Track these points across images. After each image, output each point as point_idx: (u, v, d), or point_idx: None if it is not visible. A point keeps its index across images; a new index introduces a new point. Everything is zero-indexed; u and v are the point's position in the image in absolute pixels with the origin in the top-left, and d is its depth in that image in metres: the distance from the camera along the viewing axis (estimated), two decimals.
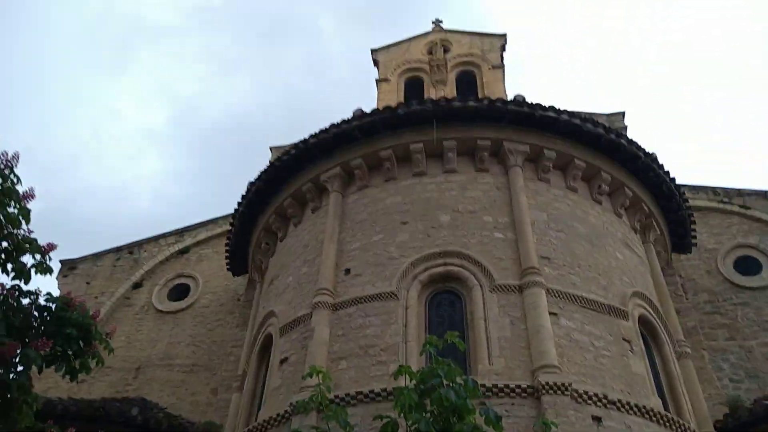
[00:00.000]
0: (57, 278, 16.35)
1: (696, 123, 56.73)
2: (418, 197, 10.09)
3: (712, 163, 51.91)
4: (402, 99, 18.70)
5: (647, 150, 11.11)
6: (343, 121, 10.79)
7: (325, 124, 10.96)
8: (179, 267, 16.44)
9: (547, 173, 10.47)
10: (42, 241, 4.97)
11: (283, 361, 9.25)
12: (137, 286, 16.10)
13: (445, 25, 21.92)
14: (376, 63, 20.93)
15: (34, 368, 4.67)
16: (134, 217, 51.45)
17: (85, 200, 53.18)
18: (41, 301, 5.00)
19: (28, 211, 4.94)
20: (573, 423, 7.09)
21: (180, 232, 17.07)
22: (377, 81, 20.23)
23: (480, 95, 18.04)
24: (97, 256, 16.80)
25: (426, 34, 21.52)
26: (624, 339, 8.69)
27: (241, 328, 12.95)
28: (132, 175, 57.93)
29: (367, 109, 11.06)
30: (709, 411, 9.29)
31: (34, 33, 54.85)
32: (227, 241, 13.32)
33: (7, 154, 4.85)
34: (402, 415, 4.18)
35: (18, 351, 4.58)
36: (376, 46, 21.27)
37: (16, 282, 4.97)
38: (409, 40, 21.31)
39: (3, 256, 4.93)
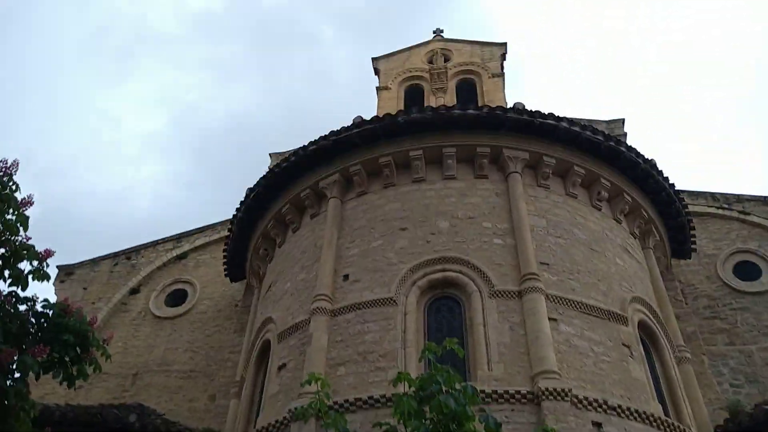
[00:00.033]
0: (54, 284, 16.30)
1: (695, 123, 56.91)
2: (417, 204, 10.09)
3: (711, 163, 52.06)
4: (402, 107, 18.73)
5: (646, 156, 11.14)
6: (343, 129, 10.81)
7: (325, 131, 10.98)
8: (177, 273, 16.39)
9: (546, 180, 10.48)
10: (39, 246, 4.96)
11: (281, 368, 9.21)
12: (134, 291, 16.04)
13: (445, 34, 22.05)
14: (376, 71, 20.99)
15: (32, 375, 4.65)
16: (133, 221, 51.38)
17: (84, 204, 53.16)
18: (38, 307, 4.99)
19: (27, 218, 4.94)
20: (573, 429, 7.06)
21: (178, 238, 17.03)
22: (378, 89, 20.29)
23: (480, 103, 18.09)
24: (94, 262, 16.76)
25: (427, 42, 21.63)
26: (624, 344, 8.66)
27: (239, 334, 12.90)
28: (131, 180, 57.86)
29: (368, 117, 11.10)
30: (709, 416, 9.26)
31: (37, 39, 55.04)
32: (225, 247, 13.30)
33: (6, 162, 4.86)
34: (401, 422, 4.15)
35: (15, 357, 4.56)
36: (376, 54, 21.37)
37: (13, 288, 4.97)
38: (410, 48, 21.42)
39: (0, 262, 4.92)
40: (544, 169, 10.46)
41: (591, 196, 10.80)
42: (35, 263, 5.00)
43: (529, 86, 55.83)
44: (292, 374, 8.84)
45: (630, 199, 11.12)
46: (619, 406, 7.65)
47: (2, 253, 4.92)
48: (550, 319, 8.21)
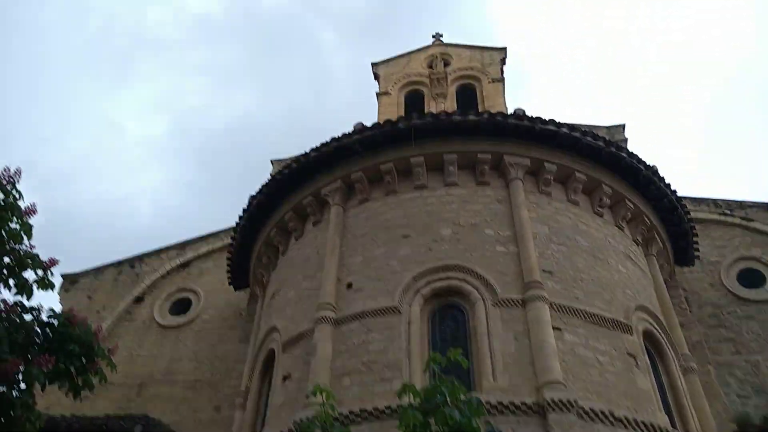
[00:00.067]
0: (59, 293, 16.30)
1: (696, 127, 56.94)
2: (419, 211, 10.08)
3: (711, 165, 52.05)
4: (402, 112, 18.77)
5: (648, 162, 11.12)
6: (344, 135, 10.81)
7: (326, 138, 11.00)
8: (180, 281, 16.38)
9: (548, 186, 10.47)
10: (43, 255, 4.98)
11: (285, 378, 9.19)
12: (139, 300, 16.03)
13: (446, 37, 22.10)
14: (376, 76, 21.04)
15: (37, 385, 4.65)
16: (135, 228, 51.48)
17: (87, 211, 53.23)
18: (44, 317, 5.00)
19: (30, 226, 4.96)
20: None
21: (181, 246, 17.04)
22: (378, 94, 20.34)
23: (480, 108, 18.12)
24: (98, 270, 16.76)
25: (426, 47, 21.67)
26: (629, 354, 8.62)
27: (244, 343, 12.88)
28: (133, 187, 58.05)
29: (368, 123, 11.12)
30: (716, 427, 9.19)
31: (35, 45, 55.22)
32: (229, 255, 13.30)
33: (9, 170, 4.88)
34: None
35: (21, 368, 4.57)
36: (376, 59, 21.41)
37: (18, 298, 4.98)
38: (410, 53, 21.46)
39: (5, 271, 4.94)
40: (545, 176, 10.45)
41: (593, 203, 10.79)
42: (40, 272, 5.02)
43: (529, 87, 56.03)
44: (297, 384, 8.82)
45: (632, 206, 11.11)
46: (626, 418, 7.59)
47: (7, 263, 4.94)
48: (554, 328, 8.18)
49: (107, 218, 53.39)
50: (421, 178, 10.42)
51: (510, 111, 11.78)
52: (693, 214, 12.86)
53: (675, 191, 11.55)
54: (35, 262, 4.95)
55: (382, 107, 19.63)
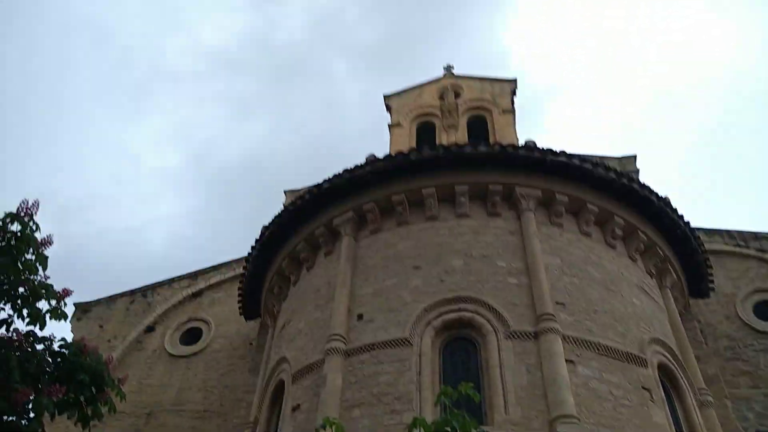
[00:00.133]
0: (71, 322, 16.38)
1: (707, 154, 56.71)
2: (431, 242, 10.09)
3: (725, 198, 51.62)
4: (414, 143, 18.94)
5: (660, 194, 11.09)
6: (357, 166, 10.91)
7: (339, 169, 11.10)
8: (192, 310, 16.42)
9: (559, 218, 10.45)
10: (56, 282, 5.05)
11: (295, 409, 9.11)
12: (150, 329, 16.07)
13: (456, 70, 22.36)
14: (388, 108, 21.30)
15: (46, 415, 4.66)
16: (149, 258, 51.78)
17: (101, 241, 53.69)
18: (55, 346, 5.03)
19: (46, 257, 5.04)
20: None
21: (193, 275, 17.12)
22: (390, 126, 20.55)
23: (491, 140, 18.24)
24: (110, 299, 16.86)
25: (437, 79, 21.94)
26: (643, 387, 8.46)
27: (253, 373, 12.81)
28: (147, 217, 58.65)
29: (380, 154, 11.24)
30: None
31: (54, 77, 56.65)
32: (240, 285, 13.33)
33: (27, 202, 4.98)
34: None
35: (31, 397, 4.59)
36: (388, 91, 21.74)
37: (31, 327, 5.03)
38: (421, 85, 21.74)
39: (19, 301, 5.00)
40: (557, 207, 10.44)
41: (605, 234, 10.73)
42: (53, 302, 5.08)
43: (541, 116, 56.33)
44: (306, 416, 8.74)
45: (645, 237, 11.03)
46: None
47: (21, 292, 5.00)
48: (567, 361, 8.07)
49: (121, 247, 53.84)
50: (433, 209, 10.45)
51: (521, 142, 11.83)
52: (707, 246, 12.74)
53: (688, 222, 11.47)
54: (49, 292, 5.01)
55: (394, 138, 19.82)
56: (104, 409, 5.06)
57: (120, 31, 59.28)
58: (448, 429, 4.13)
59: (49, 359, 4.99)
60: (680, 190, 48.98)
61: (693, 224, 11.69)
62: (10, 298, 4.93)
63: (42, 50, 54.02)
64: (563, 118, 61.02)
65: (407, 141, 19.24)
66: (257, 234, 12.15)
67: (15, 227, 4.87)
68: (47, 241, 5.06)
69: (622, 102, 58.26)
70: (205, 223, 57.85)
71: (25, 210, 4.92)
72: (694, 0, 57.42)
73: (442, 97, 20.96)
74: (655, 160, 50.62)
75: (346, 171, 10.97)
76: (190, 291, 16.71)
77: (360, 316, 9.46)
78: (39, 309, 5.01)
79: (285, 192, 16.66)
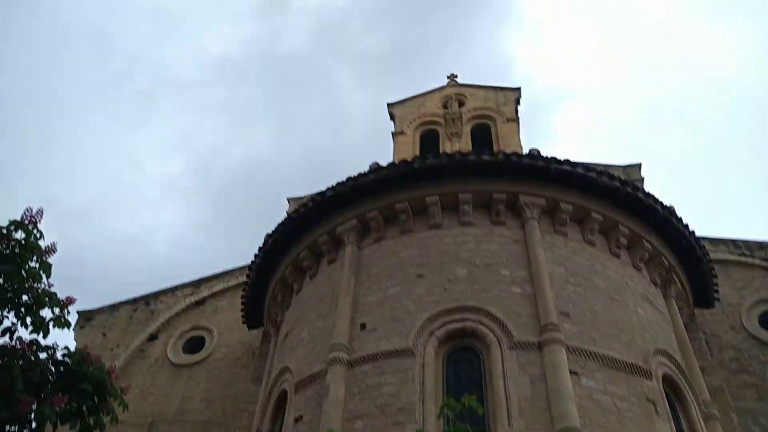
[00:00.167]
0: (73, 330, 16.37)
1: (712, 163, 56.60)
2: (435, 250, 10.06)
3: (729, 207, 51.44)
4: (418, 152, 18.96)
5: (665, 202, 11.05)
6: (360, 175, 10.91)
7: (342, 177, 11.10)
8: (195, 319, 16.40)
9: (564, 226, 10.41)
10: (59, 289, 5.03)
11: (297, 420, 9.06)
12: (153, 338, 16.05)
13: (460, 78, 22.40)
14: (392, 116, 21.32)
15: (48, 424, 4.63)
16: (151, 266, 51.84)
17: (104, 248, 53.81)
18: (58, 355, 5.01)
19: (50, 265, 5.02)
20: None
21: (197, 283, 17.12)
22: (393, 134, 20.57)
23: (495, 148, 18.25)
24: (113, 307, 16.85)
25: (441, 88, 21.97)
26: (648, 399, 8.38)
27: (256, 383, 12.75)
28: (150, 224, 58.74)
29: (384, 162, 11.24)
30: None
31: (58, 84, 56.97)
32: (243, 293, 13.31)
33: (31, 210, 4.98)
34: None
35: (33, 407, 4.57)
36: (392, 99, 21.76)
37: (35, 336, 5.01)
38: (425, 94, 21.76)
39: (23, 310, 4.98)
40: (561, 216, 10.40)
41: (609, 243, 10.69)
42: (57, 310, 5.06)
43: (545, 124, 56.33)
44: (309, 427, 8.69)
45: (649, 246, 10.98)
46: None
47: (25, 300, 4.99)
48: (571, 372, 8.00)
49: (124, 254, 53.97)
50: (436, 218, 10.43)
51: (525, 150, 11.84)
52: (712, 255, 12.67)
53: (693, 231, 11.42)
54: (53, 300, 5.00)
55: (398, 146, 19.84)
56: (107, 419, 5.03)
57: (125, 39, 59.81)
58: None
59: (52, 368, 4.96)
60: (685, 198, 48.84)
61: (698, 233, 11.64)
62: (14, 306, 4.92)
63: (46, 58, 54.44)
64: (567, 125, 61.09)
65: (411, 149, 19.25)
66: (260, 242, 12.17)
67: (19, 235, 4.86)
68: (51, 249, 5.04)
69: (627, 109, 58.46)
70: (208, 231, 57.97)
71: (29, 217, 4.91)
72: (699, 8, 57.61)
73: (445, 106, 20.99)
74: (659, 168, 50.63)
75: (349, 179, 10.97)
76: (193, 299, 16.69)
77: (363, 326, 9.42)
78: (42, 317, 4.99)
79: (288, 200, 16.68)
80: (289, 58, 63.90)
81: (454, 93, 21.39)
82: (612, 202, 10.77)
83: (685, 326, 11.31)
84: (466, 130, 20.06)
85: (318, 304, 10.63)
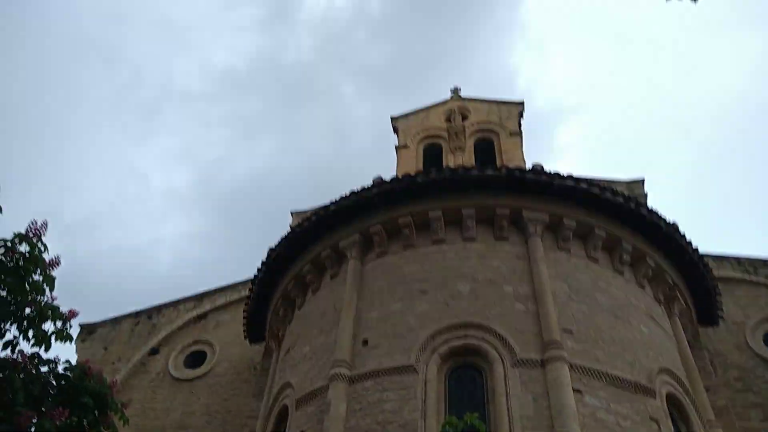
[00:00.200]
0: (75, 343, 16.32)
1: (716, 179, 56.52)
2: (438, 265, 10.03)
3: (733, 225, 51.29)
4: (421, 165, 18.97)
5: (669, 219, 11.00)
6: (364, 189, 10.91)
7: (346, 191, 11.10)
8: (197, 333, 16.32)
9: (567, 242, 10.37)
10: (62, 302, 5.03)
11: None
12: (154, 352, 15.99)
13: (463, 92, 22.47)
14: (395, 130, 21.37)
15: None
16: (154, 279, 51.82)
17: (107, 260, 53.80)
18: (59, 369, 5.00)
19: (53, 278, 5.04)
20: None
21: (199, 297, 17.06)
22: (397, 147, 20.60)
23: (498, 162, 18.24)
24: (115, 321, 16.81)
25: (444, 102, 22.02)
26: (652, 418, 8.31)
27: (257, 398, 12.67)
28: (153, 237, 58.79)
29: (387, 175, 11.22)
30: None
31: (64, 96, 57.38)
32: (245, 308, 13.26)
33: (36, 223, 5.00)
34: None
35: (34, 420, 4.55)
36: (395, 113, 21.81)
37: (36, 349, 5.01)
38: (428, 108, 21.82)
39: (25, 323, 4.98)
40: (564, 231, 10.36)
41: (613, 260, 10.64)
42: (59, 324, 5.06)
43: (549, 137, 56.41)
44: None
45: (653, 264, 10.93)
46: None
47: (28, 313, 4.99)
48: (574, 390, 7.95)
49: (127, 267, 53.95)
50: (440, 233, 10.40)
51: (528, 165, 11.84)
52: (715, 272, 12.60)
53: (697, 248, 11.36)
54: (55, 313, 5.00)
55: (401, 160, 19.86)
56: None
57: (129, 51, 60.18)
58: None
59: (53, 382, 4.96)
60: (689, 214, 48.73)
61: (702, 250, 11.59)
62: (17, 318, 4.92)
63: (51, 70, 54.88)
64: (570, 140, 61.17)
65: (414, 163, 19.28)
66: (263, 255, 12.14)
67: (23, 248, 4.88)
68: (55, 263, 5.06)
69: (631, 124, 58.51)
70: (211, 244, 57.98)
71: (33, 231, 4.93)
72: (703, 22, 57.87)
73: (449, 120, 21.03)
74: (663, 183, 50.56)
75: (352, 193, 10.97)
76: (195, 313, 16.63)
77: (365, 342, 9.36)
78: (44, 331, 4.99)
79: (291, 213, 16.67)
80: (293, 70, 64.31)
81: (457, 106, 21.44)
82: (615, 218, 10.74)
83: (689, 344, 11.22)
84: (470, 144, 20.08)
85: (320, 320, 10.59)
